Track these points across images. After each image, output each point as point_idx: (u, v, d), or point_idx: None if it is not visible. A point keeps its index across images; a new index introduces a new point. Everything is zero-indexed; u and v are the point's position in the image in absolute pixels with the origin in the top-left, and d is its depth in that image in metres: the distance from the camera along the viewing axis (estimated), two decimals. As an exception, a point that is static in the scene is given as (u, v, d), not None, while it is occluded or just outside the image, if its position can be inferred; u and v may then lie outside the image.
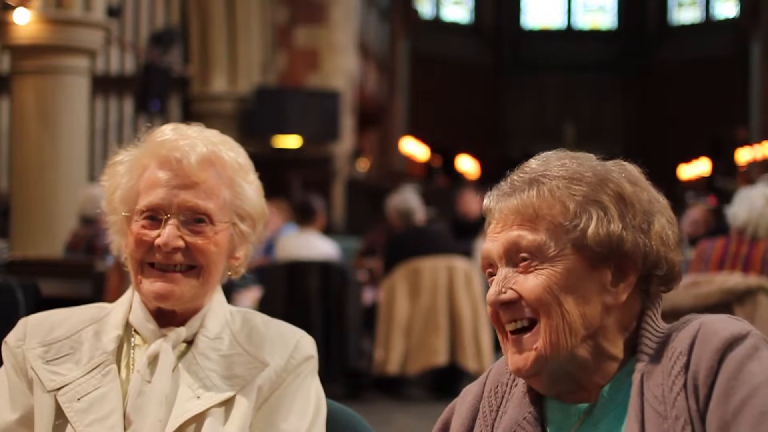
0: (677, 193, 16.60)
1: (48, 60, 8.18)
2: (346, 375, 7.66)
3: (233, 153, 1.89)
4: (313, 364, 1.89)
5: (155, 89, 11.72)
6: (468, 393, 1.67)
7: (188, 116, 13.30)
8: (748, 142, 19.60)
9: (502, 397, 1.62)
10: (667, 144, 25.14)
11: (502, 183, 1.59)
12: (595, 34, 28.88)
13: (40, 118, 8.15)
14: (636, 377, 1.49)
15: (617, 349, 1.52)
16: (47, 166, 8.14)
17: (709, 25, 26.83)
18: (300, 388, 1.85)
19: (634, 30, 27.94)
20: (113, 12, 9.24)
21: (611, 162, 1.59)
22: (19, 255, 7.27)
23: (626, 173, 1.56)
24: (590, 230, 1.50)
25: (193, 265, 1.83)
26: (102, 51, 9.32)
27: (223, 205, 1.86)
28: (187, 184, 1.83)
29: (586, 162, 1.57)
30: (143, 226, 1.83)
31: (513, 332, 1.53)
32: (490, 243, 1.56)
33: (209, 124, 1.96)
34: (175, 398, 1.79)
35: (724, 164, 19.74)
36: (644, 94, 27.30)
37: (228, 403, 1.80)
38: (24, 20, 8.03)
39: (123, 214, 1.86)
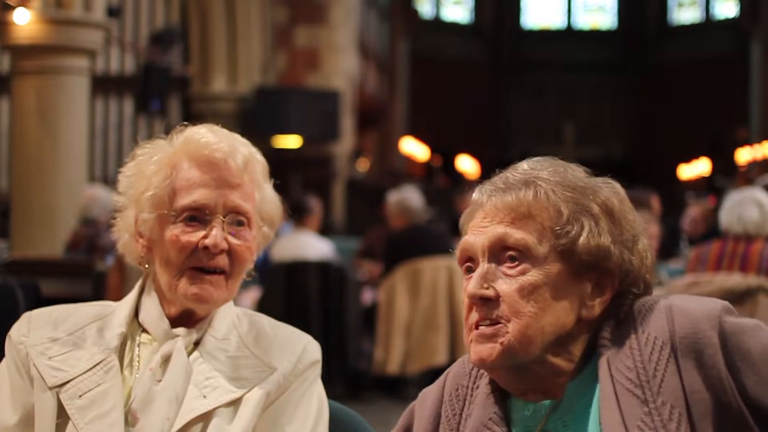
0: (677, 193, 16.60)
1: (48, 60, 8.17)
2: (346, 375, 7.66)
3: (260, 157, 1.90)
4: (318, 369, 1.89)
5: (155, 89, 11.72)
6: (427, 397, 1.66)
7: (188, 116, 13.30)
8: (748, 142, 19.59)
9: (464, 399, 1.61)
10: (667, 144, 25.14)
11: (496, 179, 1.58)
12: (595, 34, 28.88)
13: (40, 118, 8.15)
14: (602, 363, 1.49)
15: (580, 350, 1.53)
16: (47, 166, 8.13)
17: (709, 25, 26.83)
18: (305, 392, 1.86)
19: (634, 30, 27.94)
20: (113, 12, 9.24)
21: (599, 179, 1.59)
22: (19, 255, 7.27)
23: (615, 190, 1.57)
24: (582, 239, 1.50)
25: (225, 269, 1.83)
26: (102, 51, 9.31)
27: (255, 209, 1.86)
28: (231, 185, 1.82)
29: (578, 173, 1.58)
30: (185, 230, 1.80)
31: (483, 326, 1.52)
32: (474, 236, 1.54)
33: (209, 124, 1.95)
34: (183, 397, 1.79)
35: (724, 164, 19.74)
36: (644, 94, 27.29)
37: (234, 404, 1.79)
38: (24, 20, 8.02)
39: (158, 212, 1.82)
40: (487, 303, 1.51)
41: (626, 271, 1.52)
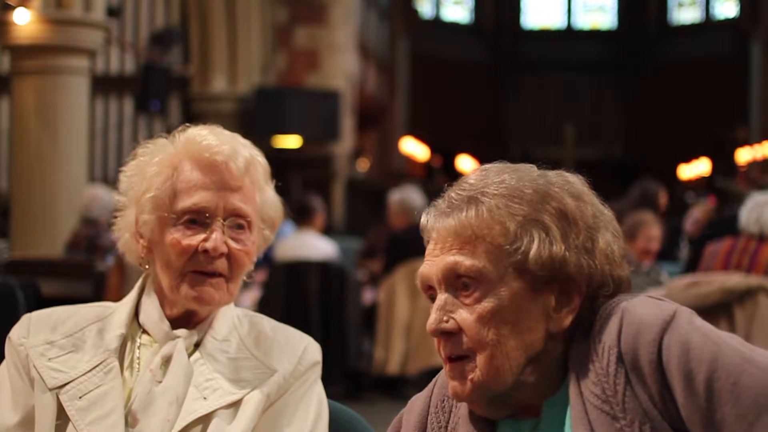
0: (677, 193, 16.60)
1: (48, 60, 8.17)
2: (346, 375, 7.66)
3: (261, 159, 1.89)
4: (319, 370, 1.89)
5: (155, 89, 11.72)
6: (414, 406, 1.62)
7: (188, 116, 13.30)
8: (748, 142, 19.60)
9: (450, 411, 1.56)
10: (667, 144, 25.14)
11: (440, 200, 1.51)
12: (595, 34, 28.88)
13: (40, 118, 8.15)
14: (571, 379, 1.43)
15: (556, 365, 1.47)
16: (47, 166, 8.13)
17: (709, 25, 26.83)
18: (305, 394, 1.85)
19: (634, 30, 27.93)
20: (113, 12, 9.24)
21: (553, 173, 1.52)
22: (19, 255, 7.27)
23: (568, 186, 1.49)
24: (532, 253, 1.43)
25: (224, 273, 1.83)
26: (102, 51, 9.31)
27: (256, 211, 1.86)
28: (232, 188, 1.81)
29: (527, 176, 1.50)
30: (185, 233, 1.80)
31: (452, 359, 1.47)
32: (428, 266, 1.49)
33: (210, 124, 1.95)
34: (183, 398, 1.79)
35: (724, 164, 19.74)
36: (644, 94, 27.29)
37: (235, 406, 1.79)
38: (24, 20, 8.02)
39: (158, 214, 1.81)
40: (450, 337, 1.46)
41: (589, 275, 1.45)
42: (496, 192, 1.47)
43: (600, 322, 1.44)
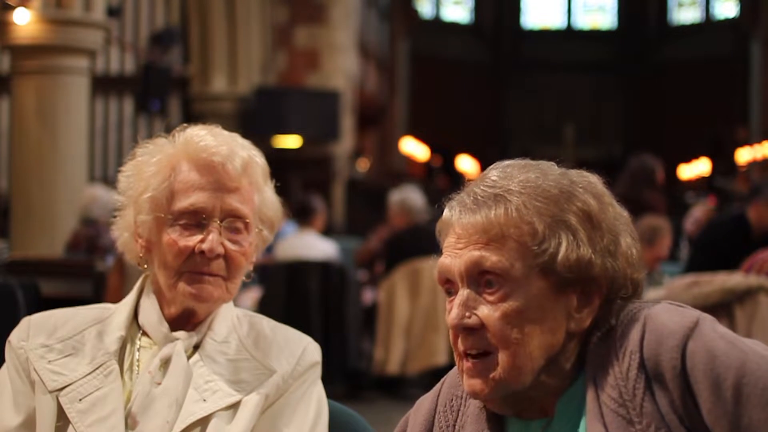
0: (677, 193, 16.60)
1: (48, 60, 8.16)
2: (346, 375, 7.66)
3: (260, 159, 1.88)
4: (318, 370, 1.89)
5: (155, 89, 11.72)
6: (421, 406, 1.62)
7: (188, 116, 13.30)
8: (748, 142, 19.61)
9: (458, 411, 1.56)
10: (667, 144, 25.13)
11: (464, 195, 1.50)
12: (595, 34, 28.91)
13: (40, 118, 8.14)
14: (588, 380, 1.44)
15: (571, 364, 1.47)
16: (47, 166, 8.13)
17: (709, 25, 26.85)
18: (304, 394, 1.85)
19: (634, 30, 27.96)
20: (113, 12, 9.24)
21: (574, 172, 1.52)
22: (19, 255, 7.26)
23: (591, 187, 1.49)
24: (560, 255, 1.43)
25: (220, 274, 1.82)
26: (102, 51, 9.31)
27: (254, 212, 1.85)
28: (229, 189, 1.81)
29: (550, 175, 1.49)
30: (182, 234, 1.80)
31: (472, 356, 1.46)
32: (450, 259, 1.47)
33: (209, 124, 1.94)
34: (183, 400, 1.78)
35: (724, 164, 19.74)
36: (644, 94, 27.30)
37: (234, 407, 1.79)
38: (24, 20, 8.02)
39: (155, 214, 1.81)
40: (472, 332, 1.45)
41: (611, 277, 1.46)
42: (522, 190, 1.46)
43: (621, 327, 1.44)
